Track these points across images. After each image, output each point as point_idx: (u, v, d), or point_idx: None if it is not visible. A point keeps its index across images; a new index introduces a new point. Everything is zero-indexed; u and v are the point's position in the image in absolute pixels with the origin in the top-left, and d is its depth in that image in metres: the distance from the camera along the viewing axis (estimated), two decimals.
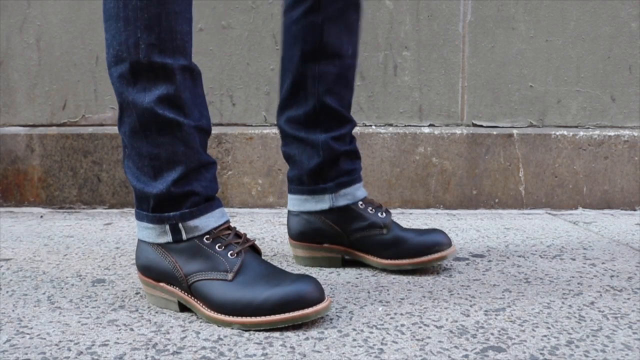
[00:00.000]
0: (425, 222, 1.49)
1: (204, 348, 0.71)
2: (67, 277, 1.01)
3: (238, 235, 0.84)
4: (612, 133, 1.67)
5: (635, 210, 1.67)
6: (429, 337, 0.74)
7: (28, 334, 0.76)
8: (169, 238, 0.83)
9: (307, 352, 0.70)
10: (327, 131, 1.03)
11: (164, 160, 0.81)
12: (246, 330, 0.76)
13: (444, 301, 0.88)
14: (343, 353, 0.69)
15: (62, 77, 1.69)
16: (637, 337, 0.74)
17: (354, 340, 0.73)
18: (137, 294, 0.92)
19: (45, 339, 0.74)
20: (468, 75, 1.67)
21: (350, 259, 1.06)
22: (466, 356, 0.68)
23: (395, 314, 0.82)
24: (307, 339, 0.74)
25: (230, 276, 0.79)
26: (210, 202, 0.84)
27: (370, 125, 1.68)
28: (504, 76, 1.68)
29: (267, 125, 1.68)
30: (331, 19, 1.00)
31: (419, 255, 1.00)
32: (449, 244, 1.01)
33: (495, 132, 1.66)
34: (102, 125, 1.69)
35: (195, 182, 0.83)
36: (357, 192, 1.05)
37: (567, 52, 1.67)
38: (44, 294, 0.92)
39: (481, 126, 1.68)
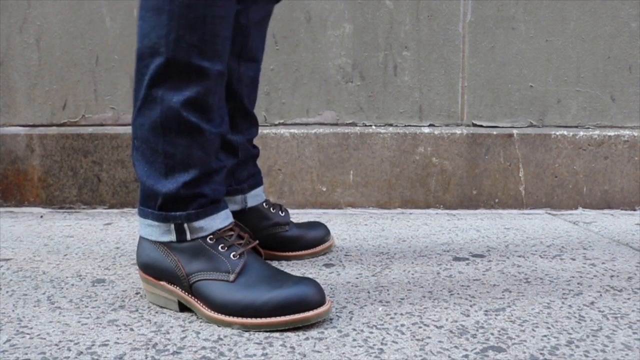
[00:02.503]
0: (425, 222, 1.49)
1: (204, 348, 0.71)
2: (67, 277, 1.01)
3: (240, 236, 0.84)
4: (612, 133, 1.67)
5: (635, 210, 1.67)
6: (429, 337, 0.74)
7: (28, 334, 0.76)
8: (172, 237, 0.83)
9: (307, 352, 0.70)
10: (243, 132, 1.06)
11: (178, 160, 0.81)
12: (246, 331, 0.76)
13: (444, 301, 0.88)
14: (343, 353, 0.69)
15: (62, 77, 1.69)
16: (637, 337, 0.74)
17: (354, 340, 0.73)
18: (137, 294, 0.92)
19: (45, 339, 0.74)
20: (468, 75, 1.67)
21: None
22: (466, 356, 0.68)
23: (395, 314, 0.82)
24: (307, 339, 0.74)
25: (232, 277, 0.79)
26: (216, 204, 0.84)
27: (370, 125, 1.68)
28: (504, 76, 1.68)
29: (267, 125, 1.68)
30: (255, 24, 1.02)
31: (315, 245, 1.14)
32: (329, 233, 1.17)
33: (495, 132, 1.66)
34: (102, 125, 1.69)
35: (204, 185, 0.83)
36: (262, 194, 1.11)
37: (567, 52, 1.67)
38: (44, 294, 0.92)
39: (481, 126, 1.68)
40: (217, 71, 0.80)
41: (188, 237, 0.82)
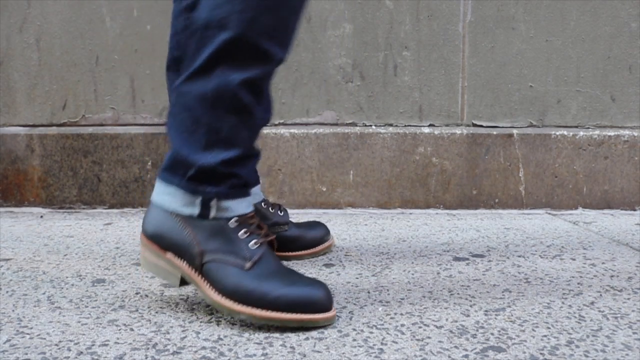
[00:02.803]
0: (425, 222, 1.49)
1: (204, 348, 0.71)
2: (67, 277, 1.01)
3: (260, 226, 0.84)
4: (612, 133, 1.67)
5: (635, 210, 1.67)
6: (429, 337, 0.74)
7: (28, 334, 0.76)
8: (195, 211, 0.80)
9: (307, 352, 0.70)
10: None
11: (222, 136, 0.79)
12: (252, 322, 0.76)
13: (444, 301, 0.88)
14: (343, 353, 0.69)
15: (62, 77, 1.69)
16: (637, 337, 0.74)
17: (354, 340, 0.73)
18: (137, 294, 0.92)
19: (45, 339, 0.74)
20: (468, 75, 1.67)
21: None
22: (466, 356, 0.68)
23: (395, 314, 0.82)
24: (307, 339, 0.74)
25: (248, 265, 0.78)
26: (246, 187, 0.83)
27: (370, 125, 1.68)
28: (504, 76, 1.68)
29: (267, 125, 1.67)
30: None
31: (315, 245, 1.14)
32: (329, 232, 1.17)
33: (495, 132, 1.66)
34: (102, 125, 1.69)
35: (241, 167, 0.81)
36: (260, 193, 1.09)
37: (567, 52, 1.67)
38: (44, 294, 0.92)
39: (481, 126, 1.68)
40: (280, 59, 0.79)
41: (212, 214, 0.80)
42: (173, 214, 0.81)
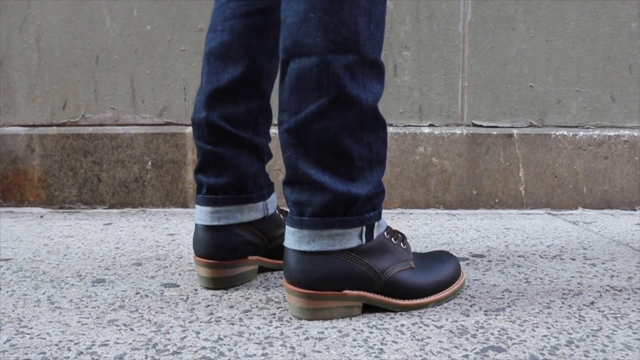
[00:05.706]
0: (425, 222, 1.49)
1: (204, 348, 0.71)
2: (67, 277, 1.01)
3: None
4: (612, 133, 1.67)
5: (635, 210, 1.67)
6: (429, 337, 0.74)
7: (28, 334, 0.76)
8: (362, 240, 0.79)
9: (307, 352, 0.70)
10: (265, 135, 0.97)
11: (373, 159, 0.78)
12: (436, 306, 0.85)
13: (443, 301, 0.88)
14: (343, 353, 0.69)
15: (62, 77, 1.69)
16: (637, 337, 0.74)
17: (354, 340, 0.73)
18: (137, 294, 0.92)
19: (45, 339, 0.74)
20: (468, 75, 1.67)
21: (263, 267, 1.01)
22: (466, 356, 0.68)
23: (396, 314, 0.82)
24: (307, 339, 0.74)
25: (412, 264, 0.84)
26: (383, 195, 0.84)
27: None
28: (504, 76, 1.68)
29: None
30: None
31: None
32: None
33: (495, 132, 1.66)
34: (102, 125, 1.69)
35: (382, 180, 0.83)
36: (276, 199, 1.02)
37: (567, 52, 1.67)
38: (44, 294, 0.92)
39: (481, 126, 1.68)
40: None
41: (375, 235, 0.80)
42: (339, 253, 0.78)
